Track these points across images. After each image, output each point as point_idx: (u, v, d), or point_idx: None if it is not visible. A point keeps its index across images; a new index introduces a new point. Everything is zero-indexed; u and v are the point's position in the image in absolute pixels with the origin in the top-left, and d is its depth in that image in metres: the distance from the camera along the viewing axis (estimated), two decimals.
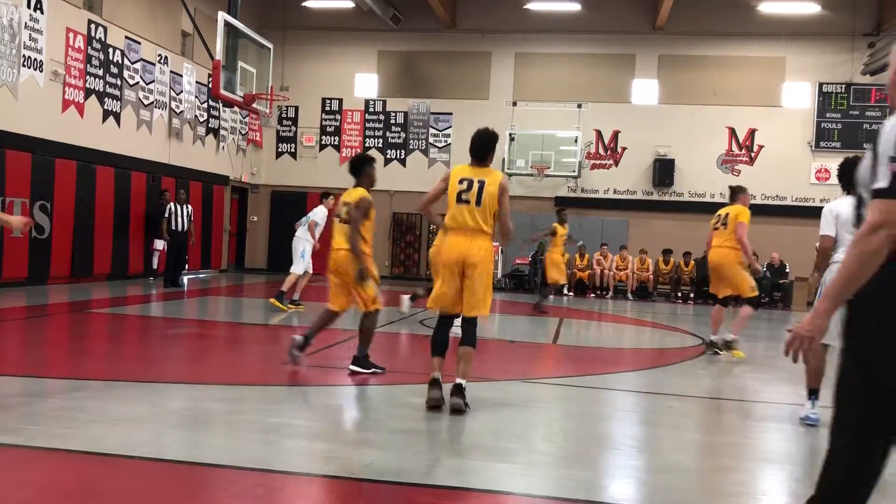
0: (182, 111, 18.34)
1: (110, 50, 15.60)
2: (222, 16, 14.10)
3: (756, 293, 9.01)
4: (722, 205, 9.54)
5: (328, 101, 22.21)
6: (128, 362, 7.38)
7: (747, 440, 5.40)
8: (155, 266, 16.80)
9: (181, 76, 18.25)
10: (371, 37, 21.59)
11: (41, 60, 13.61)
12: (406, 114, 21.84)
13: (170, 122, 17.89)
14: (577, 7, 20.11)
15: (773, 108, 20.43)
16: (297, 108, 22.16)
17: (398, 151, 21.85)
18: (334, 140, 22.20)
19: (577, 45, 20.96)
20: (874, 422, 2.57)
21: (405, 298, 11.65)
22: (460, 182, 5.53)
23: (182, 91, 18.31)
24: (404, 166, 21.69)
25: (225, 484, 3.90)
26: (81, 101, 14.82)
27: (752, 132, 20.46)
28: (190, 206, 15.56)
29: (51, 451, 4.17)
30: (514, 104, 20.99)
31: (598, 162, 21.09)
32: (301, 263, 12.17)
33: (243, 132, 21.53)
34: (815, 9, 19.12)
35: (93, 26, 15.07)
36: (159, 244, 16.35)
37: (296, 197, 21.79)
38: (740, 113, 20.40)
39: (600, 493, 4.04)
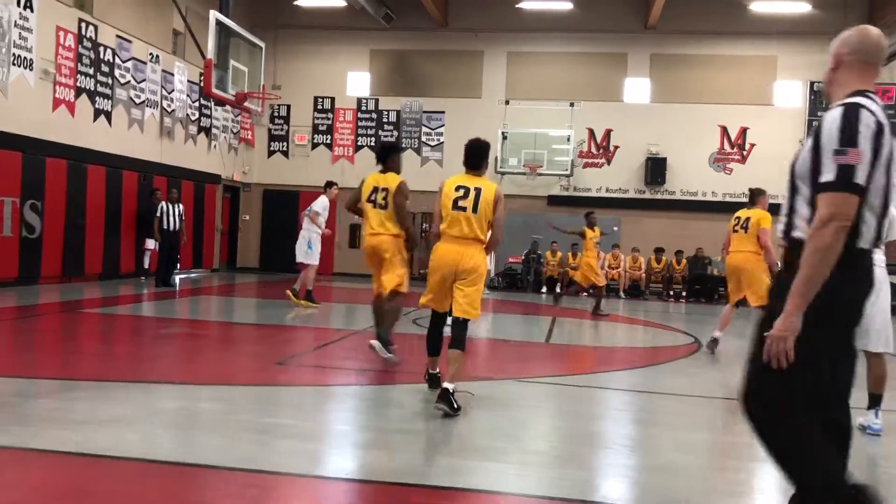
0: (174, 110, 18.28)
1: (101, 49, 15.53)
2: (214, 14, 14.05)
3: None
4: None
5: (320, 100, 22.17)
6: (119, 362, 7.34)
7: (741, 439, 5.40)
8: (146, 265, 16.75)
9: (173, 75, 18.18)
10: (363, 35, 21.56)
11: (31, 59, 13.54)
12: (398, 112, 21.81)
13: (161, 121, 17.83)
14: (569, 6, 20.13)
15: (765, 107, 20.50)
16: (289, 107, 22.12)
17: None
18: (326, 139, 22.16)
19: (570, 44, 20.98)
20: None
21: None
22: (457, 189, 5.58)
23: (174, 90, 18.25)
24: None
25: (217, 484, 3.89)
26: (72, 100, 14.75)
27: (743, 131, 20.52)
28: (181, 206, 15.51)
29: (42, 452, 4.14)
30: (507, 103, 21.00)
31: (590, 160, 21.11)
32: (312, 255, 12.25)
33: (235, 131, 21.48)
34: (805, 8, 19.20)
35: (83, 25, 15.00)
36: (150, 244, 16.30)
37: (288, 196, 21.75)
38: (732, 111, 20.46)
39: (594, 493, 4.04)
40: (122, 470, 3.97)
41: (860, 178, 2.65)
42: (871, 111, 2.70)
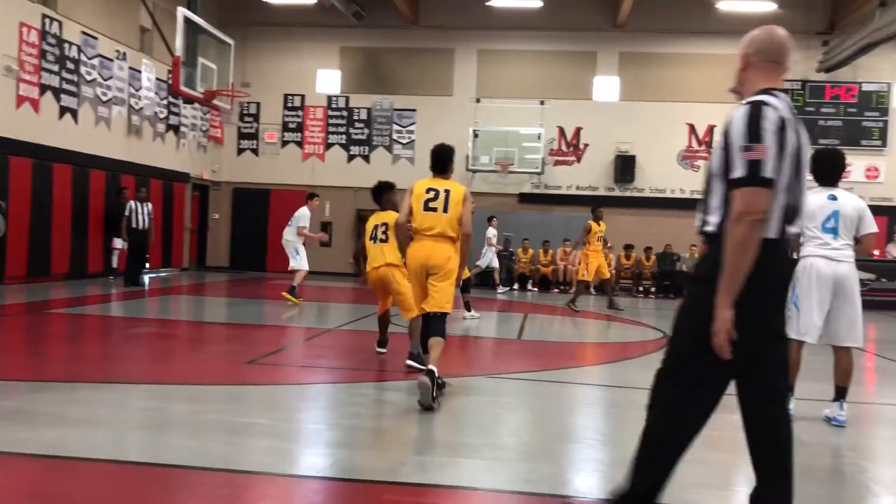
0: (141, 108, 18.06)
1: (66, 45, 15.29)
2: (182, 11, 13.91)
3: None
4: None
5: (290, 98, 22.04)
6: (88, 363, 7.26)
7: (711, 432, 5.45)
8: (115, 265, 16.54)
9: (140, 72, 17.96)
10: (333, 33, 21.47)
11: None
12: (369, 110, 21.75)
13: (129, 119, 17.60)
14: (539, 4, 20.20)
15: (732, 105, 20.68)
16: (258, 105, 21.95)
17: (362, 148, 21.76)
18: (297, 136, 22.03)
19: (540, 43, 21.07)
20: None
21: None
22: (427, 191, 5.97)
23: (141, 87, 18.02)
24: (368, 163, 21.61)
25: (189, 485, 3.87)
26: (37, 98, 14.51)
27: (711, 128, 20.74)
28: (150, 204, 15.34)
29: (8, 454, 4.09)
30: (478, 101, 21.04)
31: (560, 158, 21.23)
32: (301, 260, 12.94)
33: (204, 129, 21.27)
34: (771, 7, 19.45)
35: (47, 21, 14.76)
36: (118, 243, 16.10)
37: (258, 194, 21.60)
38: (700, 109, 20.67)
39: (565, 487, 4.08)
40: (91, 472, 3.93)
41: (768, 171, 2.77)
42: (775, 107, 2.84)
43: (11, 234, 13.81)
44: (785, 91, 2.99)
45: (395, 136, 21.64)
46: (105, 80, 16.59)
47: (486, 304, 14.52)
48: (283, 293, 12.83)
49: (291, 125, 22.05)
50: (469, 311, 11.65)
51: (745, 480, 4.38)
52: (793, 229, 2.92)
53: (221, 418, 5.11)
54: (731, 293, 2.75)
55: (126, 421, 4.93)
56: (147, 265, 16.17)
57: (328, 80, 21.90)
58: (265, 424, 5.05)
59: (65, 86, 15.30)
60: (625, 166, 20.73)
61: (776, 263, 2.89)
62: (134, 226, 14.87)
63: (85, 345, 8.76)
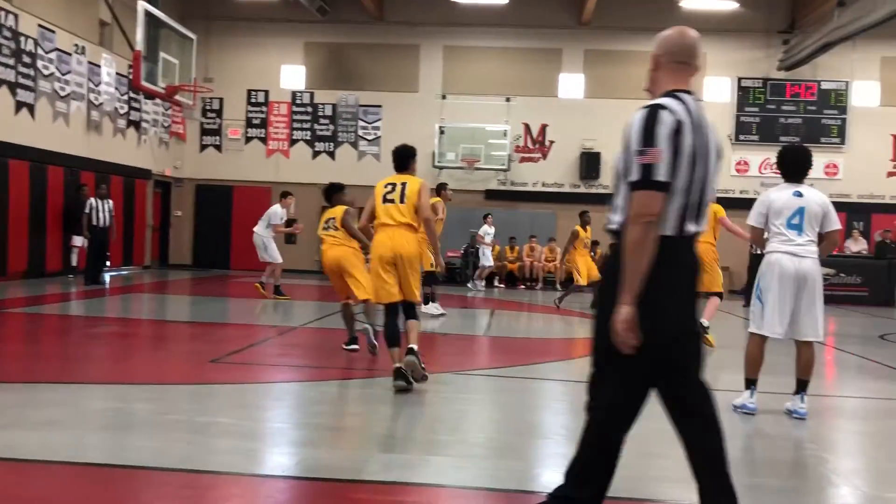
0: (101, 103, 17.73)
1: (22, 38, 14.94)
2: (142, 5, 13.72)
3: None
4: None
5: (254, 93, 21.80)
6: (47, 363, 7.11)
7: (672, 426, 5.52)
8: (74, 263, 16.23)
9: (100, 67, 17.63)
10: (297, 28, 21.27)
11: None
12: (334, 106, 21.61)
13: (88, 115, 17.27)
14: (504, 1, 20.24)
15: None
16: (221, 100, 21.67)
17: (327, 144, 21.62)
18: (261, 132, 21.81)
19: (505, 39, 21.11)
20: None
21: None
22: (385, 186, 6.34)
23: (101, 82, 17.69)
24: (333, 159, 21.47)
25: (152, 486, 3.80)
26: None
27: None
28: (111, 201, 15.08)
29: None
30: (444, 97, 21.02)
31: (526, 155, 21.29)
32: (272, 251, 13.21)
33: (166, 125, 20.96)
34: (733, 6, 19.71)
35: (2, 13, 14.40)
36: (78, 241, 15.79)
37: (221, 191, 21.35)
38: None
39: (532, 483, 4.08)
40: (51, 474, 3.85)
41: (661, 175, 2.82)
42: (672, 111, 2.88)
43: None
44: (689, 92, 3.03)
45: (360, 132, 21.53)
46: (63, 74, 16.25)
47: (453, 301, 14.52)
48: (264, 292, 13.00)
49: (255, 121, 21.83)
50: (427, 304, 11.07)
51: None
52: (691, 227, 2.96)
53: (184, 418, 5.04)
54: (630, 291, 2.81)
55: (86, 422, 4.83)
56: (108, 263, 15.91)
57: (293, 76, 21.70)
58: (229, 424, 4.98)
59: (21, 80, 14.94)
60: (590, 163, 20.85)
61: (676, 260, 2.94)
62: (95, 223, 14.62)
63: (43, 345, 8.58)
